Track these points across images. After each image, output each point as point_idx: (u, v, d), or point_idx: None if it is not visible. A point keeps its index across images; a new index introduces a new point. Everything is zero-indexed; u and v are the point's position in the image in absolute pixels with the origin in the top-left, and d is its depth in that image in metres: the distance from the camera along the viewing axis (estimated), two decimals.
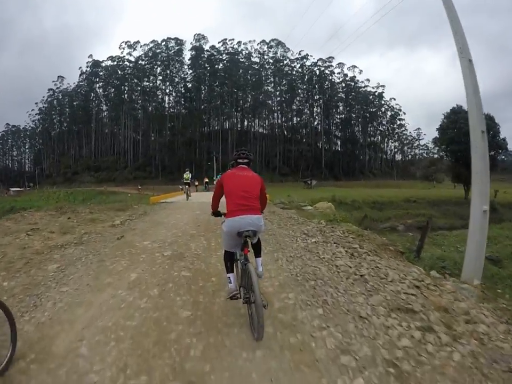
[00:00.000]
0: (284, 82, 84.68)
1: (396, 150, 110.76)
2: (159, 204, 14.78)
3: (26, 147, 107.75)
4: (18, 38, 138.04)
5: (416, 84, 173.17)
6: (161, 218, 9.73)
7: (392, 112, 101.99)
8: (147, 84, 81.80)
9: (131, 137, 77.13)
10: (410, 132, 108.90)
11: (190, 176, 17.95)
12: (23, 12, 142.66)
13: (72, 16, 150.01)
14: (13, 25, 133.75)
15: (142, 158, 73.34)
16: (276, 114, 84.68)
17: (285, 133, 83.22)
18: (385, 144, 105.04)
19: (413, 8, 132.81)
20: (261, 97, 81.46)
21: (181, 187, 23.15)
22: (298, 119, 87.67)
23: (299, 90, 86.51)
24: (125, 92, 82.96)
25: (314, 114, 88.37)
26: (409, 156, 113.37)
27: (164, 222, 8.88)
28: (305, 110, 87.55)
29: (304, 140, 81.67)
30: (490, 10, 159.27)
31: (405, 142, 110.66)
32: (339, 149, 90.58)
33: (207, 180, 34.04)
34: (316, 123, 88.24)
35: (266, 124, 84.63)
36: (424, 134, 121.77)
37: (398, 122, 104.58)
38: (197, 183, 32.63)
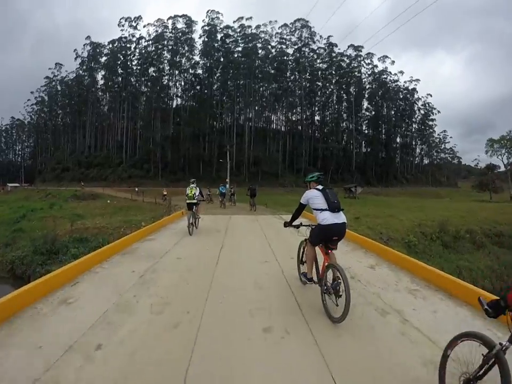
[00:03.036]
0: (308, 72, 72.76)
1: (423, 153, 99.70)
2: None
3: (31, 141, 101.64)
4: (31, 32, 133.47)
5: (434, 85, 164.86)
6: None
7: (426, 111, 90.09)
8: (151, 69, 70.51)
9: (129, 129, 66.09)
10: (438, 134, 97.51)
11: (196, 192, 9.72)
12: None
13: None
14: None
15: (140, 153, 62.22)
16: (299, 108, 72.76)
17: (311, 129, 71.42)
18: (415, 146, 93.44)
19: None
20: (281, 88, 69.94)
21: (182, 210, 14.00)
22: (324, 114, 75.83)
23: (326, 82, 74.70)
24: (125, 78, 71.82)
25: (342, 110, 76.51)
26: (437, 160, 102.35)
27: None
28: (331, 105, 75.83)
29: (331, 139, 69.56)
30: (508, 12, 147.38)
31: (432, 144, 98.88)
32: (369, 150, 78.52)
33: (209, 192, 25.94)
34: (343, 120, 76.42)
35: (289, 118, 72.52)
36: (451, 137, 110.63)
37: (430, 122, 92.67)
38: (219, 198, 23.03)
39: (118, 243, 6.96)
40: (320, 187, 3.91)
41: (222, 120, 69.82)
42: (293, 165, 62.70)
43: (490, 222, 18.95)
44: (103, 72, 75.40)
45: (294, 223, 4.40)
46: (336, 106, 75.08)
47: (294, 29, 72.53)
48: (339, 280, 3.32)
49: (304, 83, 72.41)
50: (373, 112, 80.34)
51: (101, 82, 76.73)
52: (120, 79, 73.10)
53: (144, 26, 72.14)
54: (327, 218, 3.60)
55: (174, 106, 69.90)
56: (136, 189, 39.65)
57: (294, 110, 72.62)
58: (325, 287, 3.59)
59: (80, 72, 78.11)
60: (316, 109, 74.63)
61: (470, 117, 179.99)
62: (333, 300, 3.41)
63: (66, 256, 13.32)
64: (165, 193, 30.82)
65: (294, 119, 72.77)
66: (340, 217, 3.67)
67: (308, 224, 4.46)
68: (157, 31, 71.05)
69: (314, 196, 3.83)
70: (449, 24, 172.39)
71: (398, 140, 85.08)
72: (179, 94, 71.42)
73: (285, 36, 73.27)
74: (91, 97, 74.60)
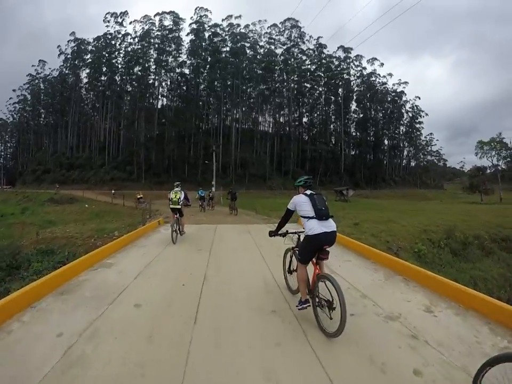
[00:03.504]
0: (297, 73, 71.55)
1: (410, 155, 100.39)
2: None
3: (14, 141, 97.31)
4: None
5: (421, 89, 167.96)
6: None
7: (414, 113, 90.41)
8: (137, 68, 67.88)
9: (112, 130, 63.34)
10: (425, 137, 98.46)
11: (181, 197, 8.83)
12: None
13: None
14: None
15: (123, 154, 59.56)
16: (286, 109, 71.45)
17: (299, 131, 70.20)
18: (403, 148, 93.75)
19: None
20: (269, 89, 68.56)
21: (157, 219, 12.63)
22: (313, 116, 74.90)
23: (314, 84, 73.72)
24: (110, 76, 69.00)
25: (330, 112, 75.69)
26: (424, 163, 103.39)
27: None
28: (320, 107, 74.93)
29: (319, 141, 68.42)
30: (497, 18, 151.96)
31: (419, 147, 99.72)
32: (357, 152, 77.88)
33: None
34: (331, 122, 75.63)
35: (276, 119, 71.14)
36: (437, 140, 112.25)
37: (418, 125, 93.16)
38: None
39: (59, 273, 4.94)
40: (308, 192, 3.63)
41: (209, 121, 68.13)
42: (281, 167, 61.61)
43: (494, 226, 17.76)
44: (87, 70, 72.74)
45: (280, 232, 4.08)
46: (325, 108, 74.34)
47: (283, 28, 71.63)
48: (332, 292, 3.08)
49: (292, 84, 71.46)
50: (361, 114, 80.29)
51: (85, 80, 74.13)
52: (104, 77, 70.45)
53: (130, 23, 70.05)
54: (314, 227, 3.33)
55: (159, 106, 67.85)
56: (113, 191, 37.49)
57: (282, 112, 71.52)
58: (317, 300, 3.37)
59: (64, 70, 75.23)
60: (304, 110, 73.78)
61: (455, 121, 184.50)
62: (326, 313, 3.18)
63: (28, 272, 11.42)
64: (140, 196, 28.64)
65: (282, 120, 71.75)
66: (329, 225, 3.39)
67: (295, 231, 4.19)
68: (143, 28, 68.99)
69: (301, 202, 3.54)
70: (437, 28, 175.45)
71: (386, 142, 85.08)
72: (165, 94, 69.41)
73: (274, 36, 72.23)
74: (74, 96, 71.53)
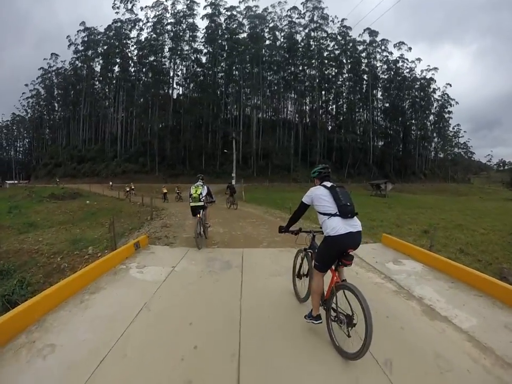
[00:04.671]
0: (319, 59, 66.50)
1: (438, 147, 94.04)
2: None
3: (29, 137, 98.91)
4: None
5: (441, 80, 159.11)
6: None
7: (443, 102, 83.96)
8: (150, 55, 64.31)
9: (125, 120, 60.22)
10: (452, 128, 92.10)
11: (204, 193, 7.22)
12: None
13: None
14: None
15: (136, 145, 56.20)
16: (309, 97, 66.63)
17: (324, 119, 65.33)
18: (432, 139, 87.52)
19: None
20: (292, 74, 63.91)
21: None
22: (338, 104, 69.78)
23: (339, 70, 68.46)
24: (122, 65, 65.81)
25: (356, 100, 70.24)
26: (452, 155, 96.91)
27: None
28: (344, 94, 69.66)
29: (346, 130, 63.13)
30: None
31: (447, 138, 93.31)
32: (385, 143, 72.46)
33: (178, 191, 26.21)
34: (358, 110, 70.27)
35: (300, 108, 66.26)
36: (464, 131, 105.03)
37: (446, 115, 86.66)
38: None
39: None
40: (328, 184, 3.00)
41: (227, 110, 63.72)
42: (306, 158, 56.70)
43: None
44: (99, 61, 69.72)
45: (291, 228, 3.40)
46: (351, 96, 68.70)
47: (305, 10, 66.65)
48: (353, 305, 2.58)
49: (313, 71, 66.37)
50: (387, 103, 74.50)
51: (97, 71, 71.11)
52: (116, 67, 67.34)
53: (141, 9, 66.74)
54: (338, 226, 2.74)
55: (174, 95, 64.02)
56: (111, 183, 34.97)
57: (305, 100, 66.43)
58: (334, 314, 2.83)
59: (76, 61, 72.75)
60: (329, 98, 68.42)
61: (477, 113, 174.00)
62: (344, 330, 2.67)
63: None
64: (132, 187, 27.56)
65: (305, 108, 66.64)
66: (354, 225, 2.80)
67: (309, 230, 3.53)
68: (156, 14, 65.17)
69: (320, 195, 2.92)
70: (457, 17, 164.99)
71: (414, 132, 78.94)
72: (180, 82, 65.56)
73: (294, 19, 67.38)
74: (86, 87, 68.85)
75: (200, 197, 7.07)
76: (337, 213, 2.77)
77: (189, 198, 7.25)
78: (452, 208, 23.59)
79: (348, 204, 2.80)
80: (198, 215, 6.92)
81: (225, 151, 43.97)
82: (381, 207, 22.02)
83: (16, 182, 65.25)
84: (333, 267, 2.91)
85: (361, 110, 70.82)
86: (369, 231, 9.58)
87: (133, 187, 27.59)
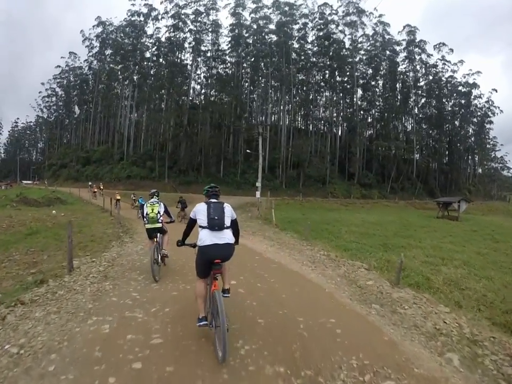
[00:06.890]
0: (356, 57, 59.14)
1: (478, 161, 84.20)
2: None
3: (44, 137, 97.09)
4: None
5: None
6: None
7: (485, 109, 74.48)
8: (168, 53, 58.51)
9: (136, 119, 54.32)
10: (490, 140, 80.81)
11: (161, 211, 6.08)
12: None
13: None
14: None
15: (145, 147, 49.79)
16: (343, 101, 59.13)
17: (364, 126, 57.24)
18: (474, 152, 78.01)
19: None
20: (323, 75, 56.74)
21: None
22: (375, 110, 62.03)
23: (375, 72, 60.97)
24: (138, 62, 60.25)
25: (395, 105, 61.89)
26: (491, 170, 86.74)
27: None
28: (382, 99, 61.76)
29: (388, 138, 54.78)
30: None
31: (486, 151, 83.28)
32: (429, 154, 63.76)
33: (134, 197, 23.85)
34: (397, 118, 62.13)
35: (335, 112, 58.78)
36: (501, 145, 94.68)
37: (488, 125, 77.11)
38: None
39: None
40: (213, 200, 3.33)
41: (252, 110, 56.60)
42: (344, 169, 48.69)
43: None
44: (114, 58, 64.49)
45: (187, 242, 3.58)
46: (390, 101, 60.59)
47: (340, 4, 59.65)
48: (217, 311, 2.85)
49: (349, 72, 58.95)
50: (429, 111, 66.05)
51: (112, 67, 65.83)
52: (132, 64, 61.65)
53: (161, 3, 60.77)
54: (205, 238, 3.05)
55: (190, 89, 57.52)
56: (90, 183, 30.69)
57: (338, 104, 58.84)
58: (211, 317, 3.10)
59: (91, 59, 69.16)
60: (368, 99, 60.52)
61: (504, 127, 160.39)
62: (213, 331, 3.00)
63: None
64: (100, 187, 26.86)
65: (342, 110, 59.03)
66: (222, 237, 3.05)
67: (194, 243, 3.44)
68: (176, 7, 59.29)
69: (200, 210, 3.23)
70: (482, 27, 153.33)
71: (458, 144, 69.93)
72: (198, 76, 59.20)
73: (326, 16, 60.35)
74: (100, 86, 64.79)
75: (158, 217, 5.86)
76: (206, 226, 3.04)
77: (143, 219, 6.01)
78: None
79: (216, 217, 3.05)
80: (155, 239, 5.84)
81: (248, 151, 36.93)
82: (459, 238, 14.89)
83: (30, 182, 63.36)
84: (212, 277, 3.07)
85: (400, 116, 62.61)
86: None
87: (101, 187, 26.23)
